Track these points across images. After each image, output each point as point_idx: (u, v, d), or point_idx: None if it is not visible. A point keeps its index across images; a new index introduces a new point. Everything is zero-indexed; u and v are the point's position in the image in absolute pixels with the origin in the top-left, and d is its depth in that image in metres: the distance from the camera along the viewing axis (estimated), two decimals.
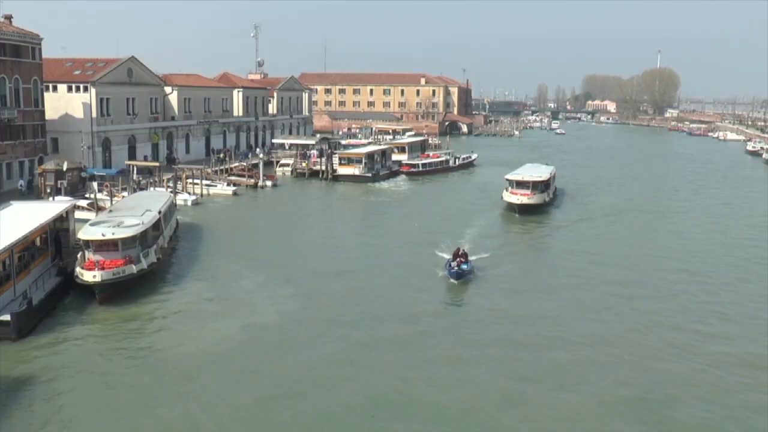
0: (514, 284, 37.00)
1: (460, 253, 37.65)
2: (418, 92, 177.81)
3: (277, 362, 26.36)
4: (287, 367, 25.89)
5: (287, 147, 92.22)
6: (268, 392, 23.86)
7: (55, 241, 36.88)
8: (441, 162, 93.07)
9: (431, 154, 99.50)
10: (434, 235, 47.73)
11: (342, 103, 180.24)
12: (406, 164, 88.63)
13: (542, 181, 59.88)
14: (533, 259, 44.91)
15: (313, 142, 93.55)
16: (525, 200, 57.76)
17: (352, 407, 22.89)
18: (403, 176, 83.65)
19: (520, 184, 59.18)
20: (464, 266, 36.29)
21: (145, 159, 73.61)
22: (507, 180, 60.87)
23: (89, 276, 32.15)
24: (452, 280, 36.01)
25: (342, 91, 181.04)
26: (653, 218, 59.28)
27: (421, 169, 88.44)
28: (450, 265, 36.52)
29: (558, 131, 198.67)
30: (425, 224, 53.14)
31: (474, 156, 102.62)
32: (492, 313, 32.22)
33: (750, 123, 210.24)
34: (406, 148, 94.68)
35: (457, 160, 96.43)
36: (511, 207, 58.41)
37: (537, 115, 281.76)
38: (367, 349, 27.45)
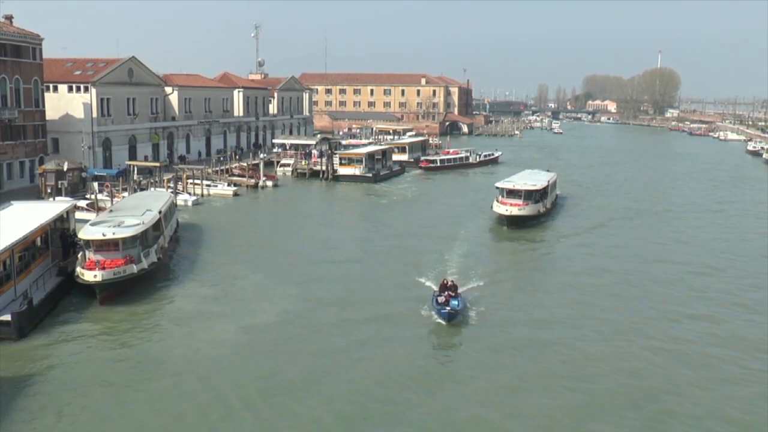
0: (503, 323, 30.75)
1: (448, 285, 32.06)
2: (418, 92, 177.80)
3: (276, 363, 26.34)
4: (286, 369, 25.88)
5: (287, 147, 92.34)
6: (265, 393, 23.84)
7: (61, 240, 36.99)
8: (460, 158, 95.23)
9: (451, 150, 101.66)
10: (418, 254, 42.82)
11: (342, 104, 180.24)
12: (425, 160, 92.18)
13: (537, 190, 53.48)
14: (520, 287, 37.04)
15: (313, 142, 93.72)
16: (515, 211, 51.43)
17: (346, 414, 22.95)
18: (406, 176, 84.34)
19: (511, 193, 52.93)
20: (454, 303, 30.55)
21: (146, 159, 73.67)
22: (497, 188, 54.67)
23: (90, 276, 32.17)
24: (442, 322, 30.10)
25: (342, 91, 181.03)
26: (656, 227, 54.69)
27: (439, 164, 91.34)
28: (437, 301, 30.85)
29: (556, 131, 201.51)
30: (409, 238, 48.49)
31: (498, 153, 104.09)
32: (483, 367, 26.22)
33: (751, 123, 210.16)
34: (407, 148, 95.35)
35: (478, 156, 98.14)
36: (501, 219, 52.44)
37: (537, 115, 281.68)
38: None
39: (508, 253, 47.19)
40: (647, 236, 51.11)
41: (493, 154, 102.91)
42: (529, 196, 52.72)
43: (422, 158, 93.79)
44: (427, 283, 35.44)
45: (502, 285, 37.14)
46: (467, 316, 31.16)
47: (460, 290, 32.48)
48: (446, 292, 31.29)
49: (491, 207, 53.59)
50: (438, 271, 38.24)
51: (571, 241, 48.61)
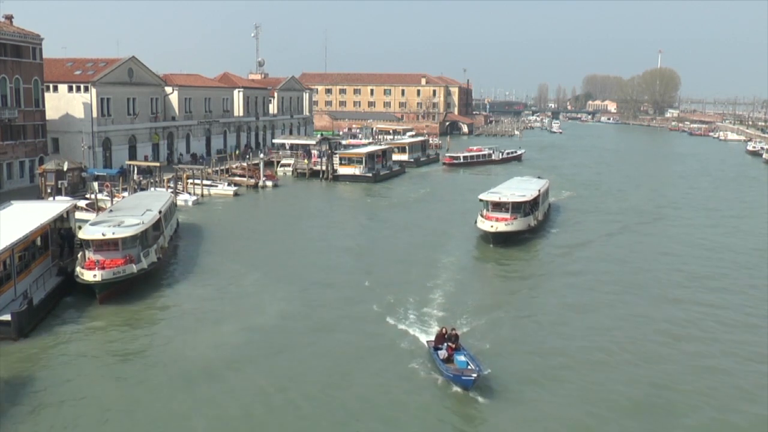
0: (519, 375, 25.35)
1: (446, 334, 26.08)
2: (418, 92, 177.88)
3: (275, 364, 26.36)
4: (285, 370, 25.90)
5: (287, 147, 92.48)
6: (264, 394, 23.86)
7: (65, 239, 37.10)
8: (483, 155, 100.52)
9: (474, 148, 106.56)
10: (401, 283, 36.81)
11: (342, 103, 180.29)
12: (449, 156, 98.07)
13: (526, 202, 47.57)
14: (521, 323, 31.30)
15: (313, 142, 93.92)
16: (501, 227, 45.24)
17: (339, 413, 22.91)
18: (405, 177, 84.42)
19: (497, 206, 46.85)
20: (460, 359, 24.68)
21: (146, 159, 73.69)
22: (481, 200, 48.55)
23: (89, 275, 32.18)
24: (457, 388, 23.70)
25: (342, 91, 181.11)
26: (658, 235, 51.10)
27: (462, 161, 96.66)
28: (437, 353, 25.34)
29: (555, 130, 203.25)
30: (399, 249, 44.84)
31: (521, 151, 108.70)
32: None
33: (750, 123, 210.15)
34: (407, 148, 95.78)
35: (501, 154, 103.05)
36: (485, 236, 46.11)
37: (537, 115, 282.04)
38: None
39: (497, 278, 40.25)
40: (650, 247, 46.90)
41: (515, 152, 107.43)
42: (518, 208, 46.86)
43: (446, 155, 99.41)
44: (412, 332, 29.23)
45: (500, 323, 31.09)
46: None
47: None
48: (446, 344, 25.64)
49: (475, 222, 47.43)
50: (418, 305, 32.74)
51: (568, 258, 43.30)
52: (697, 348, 28.71)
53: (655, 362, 26.96)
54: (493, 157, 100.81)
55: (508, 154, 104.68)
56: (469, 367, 24.33)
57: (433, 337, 27.02)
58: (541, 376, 25.44)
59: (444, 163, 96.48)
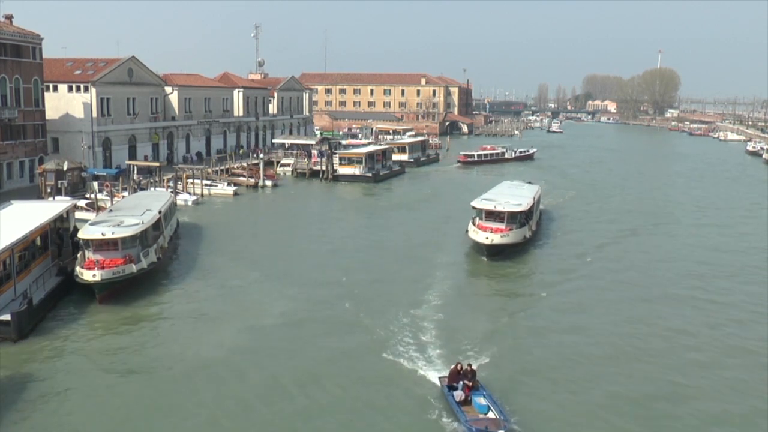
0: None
1: (461, 370, 23.00)
2: (418, 92, 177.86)
3: (275, 365, 26.33)
4: (284, 370, 25.88)
5: (287, 147, 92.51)
6: (262, 395, 23.86)
7: (59, 239, 37.08)
8: (497, 153, 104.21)
9: (488, 146, 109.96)
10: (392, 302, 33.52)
11: (342, 103, 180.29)
12: (463, 154, 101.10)
13: (522, 211, 43.79)
14: (537, 359, 27.30)
15: (313, 142, 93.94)
16: (497, 239, 41.53)
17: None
18: (405, 177, 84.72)
19: (492, 215, 43.40)
20: (479, 401, 21.83)
21: (146, 159, 73.68)
22: (474, 208, 45.10)
23: (89, 275, 32.17)
24: None
25: (342, 91, 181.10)
26: (660, 241, 49.09)
27: (476, 159, 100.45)
28: (452, 394, 22.19)
29: (555, 130, 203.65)
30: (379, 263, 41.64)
31: (533, 150, 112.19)
32: None
33: (750, 123, 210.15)
34: (407, 148, 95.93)
35: (513, 152, 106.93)
36: (479, 247, 42.54)
37: (537, 115, 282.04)
38: None
39: (497, 298, 35.88)
40: (652, 253, 44.95)
41: (528, 151, 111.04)
42: (513, 218, 43.15)
43: (461, 153, 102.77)
44: (419, 368, 25.46)
45: (511, 351, 27.86)
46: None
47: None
48: (462, 382, 22.43)
49: (466, 231, 43.85)
50: (418, 327, 29.82)
51: (569, 273, 39.85)
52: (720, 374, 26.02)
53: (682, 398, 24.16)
54: (506, 156, 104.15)
55: (520, 152, 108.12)
56: (490, 413, 21.28)
57: (444, 373, 23.69)
58: (565, 413, 22.64)
59: (458, 161, 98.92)
